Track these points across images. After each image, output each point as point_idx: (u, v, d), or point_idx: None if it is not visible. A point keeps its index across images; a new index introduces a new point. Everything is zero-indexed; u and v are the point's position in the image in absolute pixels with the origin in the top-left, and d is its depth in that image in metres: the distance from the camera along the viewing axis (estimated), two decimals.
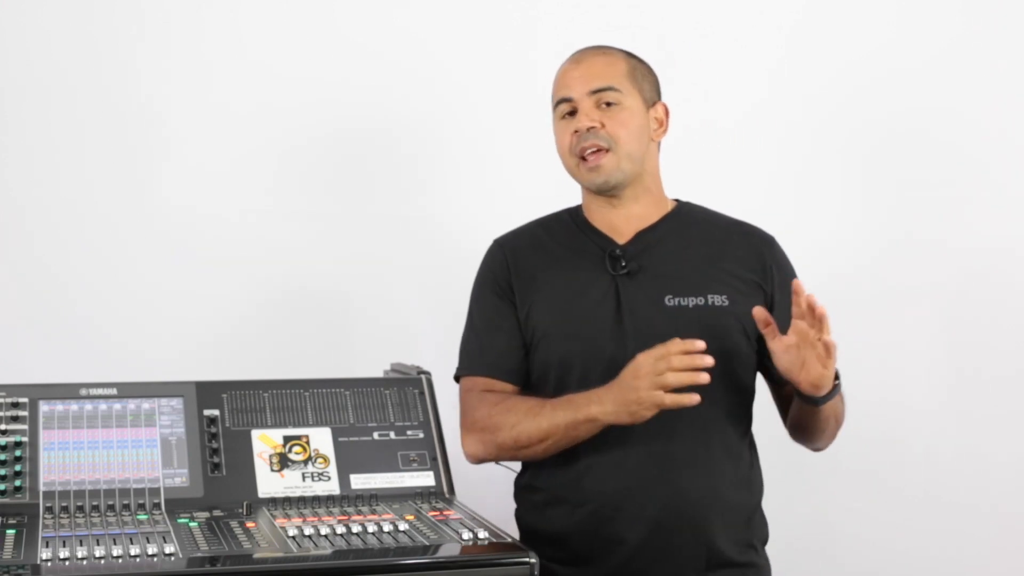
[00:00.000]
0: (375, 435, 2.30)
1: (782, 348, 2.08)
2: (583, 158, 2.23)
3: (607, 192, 2.25)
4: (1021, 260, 3.28)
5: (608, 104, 2.22)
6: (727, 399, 2.22)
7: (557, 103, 2.27)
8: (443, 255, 3.00)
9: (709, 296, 2.22)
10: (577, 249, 2.28)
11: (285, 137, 2.96)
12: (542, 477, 2.26)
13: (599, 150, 2.21)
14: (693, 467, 2.17)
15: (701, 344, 2.01)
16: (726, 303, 2.21)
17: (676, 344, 2.02)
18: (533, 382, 2.27)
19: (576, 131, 2.22)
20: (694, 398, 2.01)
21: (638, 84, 2.27)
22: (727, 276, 2.25)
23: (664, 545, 2.16)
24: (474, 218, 2.98)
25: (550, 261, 2.28)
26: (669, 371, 2.01)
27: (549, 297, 2.25)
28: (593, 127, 2.21)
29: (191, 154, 2.91)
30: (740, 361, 2.23)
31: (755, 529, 2.27)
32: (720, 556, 2.19)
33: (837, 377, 2.14)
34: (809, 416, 2.20)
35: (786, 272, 2.30)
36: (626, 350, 2.15)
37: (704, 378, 2.00)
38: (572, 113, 2.24)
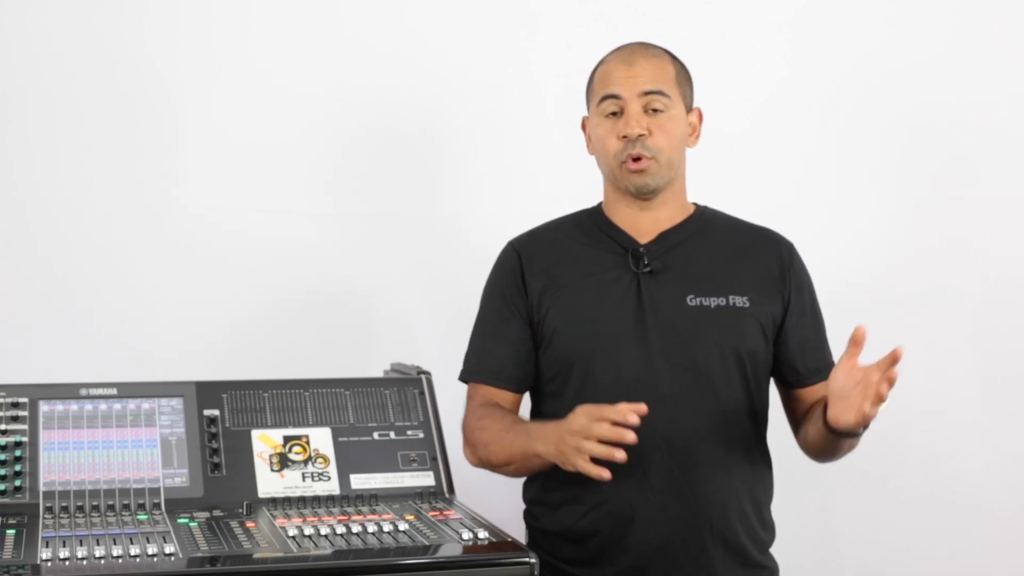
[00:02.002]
0: (375, 435, 2.30)
1: (846, 372, 2.04)
2: (623, 162, 2.22)
3: (642, 196, 2.25)
4: None
5: (655, 110, 2.21)
6: (746, 400, 2.23)
7: (603, 98, 2.24)
8: (444, 255, 2.99)
9: (731, 297, 2.22)
10: (598, 246, 2.28)
11: (286, 138, 2.96)
12: (559, 475, 2.21)
13: (643, 159, 2.20)
14: (713, 467, 2.18)
15: (644, 408, 1.97)
16: (747, 304, 2.22)
17: (614, 411, 1.96)
18: (550, 379, 2.26)
19: (625, 136, 2.20)
20: (604, 474, 1.97)
21: (682, 89, 2.27)
22: (748, 278, 2.25)
23: (683, 546, 2.16)
24: (475, 218, 2.99)
25: (569, 258, 2.27)
26: (596, 439, 1.96)
27: (568, 296, 2.24)
28: (643, 135, 2.19)
29: (192, 155, 2.91)
30: (758, 362, 2.25)
31: (768, 530, 2.29)
32: (737, 557, 2.20)
33: None
34: (827, 440, 2.17)
35: (802, 277, 2.31)
36: (648, 349, 2.17)
37: (620, 456, 1.95)
38: (615, 112, 2.22)
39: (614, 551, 2.18)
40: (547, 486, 2.26)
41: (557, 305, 2.24)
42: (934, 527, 3.19)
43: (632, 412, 1.96)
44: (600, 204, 2.35)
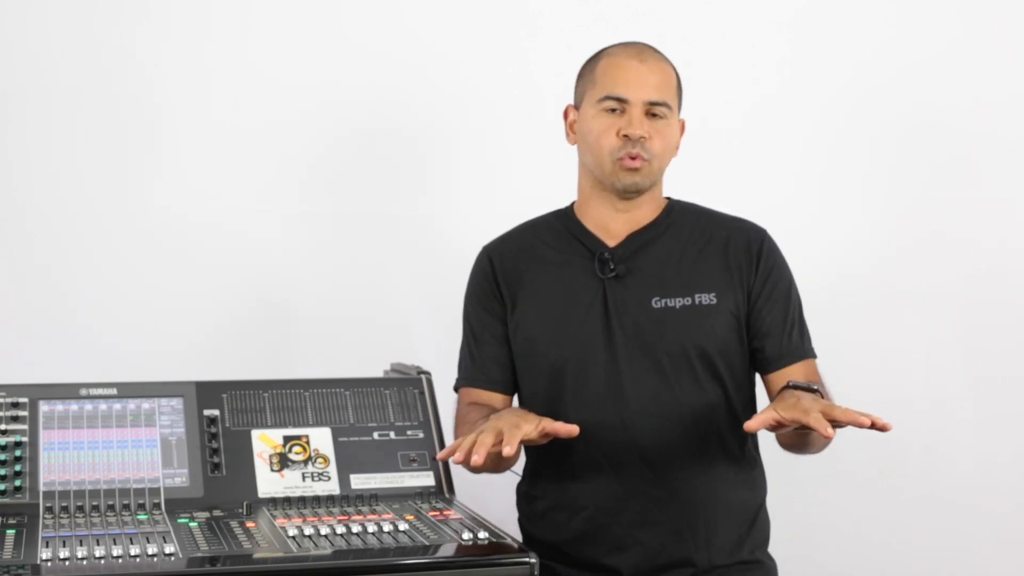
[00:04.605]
0: (375, 435, 2.30)
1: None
2: (619, 159, 2.19)
3: (627, 195, 2.23)
4: None
5: (655, 115, 2.19)
6: (723, 399, 2.21)
7: (606, 97, 2.20)
8: (444, 256, 2.99)
9: (696, 295, 2.20)
10: (567, 253, 2.27)
11: (286, 139, 2.96)
12: (540, 484, 2.27)
13: (640, 159, 2.19)
14: (689, 468, 2.17)
15: (575, 430, 2.00)
16: (714, 300, 2.20)
17: (531, 426, 2.00)
18: (525, 384, 2.28)
19: (626, 135, 2.18)
20: (455, 455, 1.97)
21: (679, 100, 2.27)
22: (715, 272, 2.23)
23: (666, 547, 2.16)
24: (475, 219, 2.97)
25: (539, 266, 2.28)
26: (490, 431, 1.97)
27: (538, 304, 2.25)
28: (644, 138, 2.17)
29: (191, 156, 2.91)
30: (730, 358, 2.22)
31: (759, 528, 2.27)
32: (723, 556, 2.19)
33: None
34: (802, 435, 2.13)
35: (771, 264, 2.26)
36: (616, 355, 2.17)
37: (475, 459, 1.94)
38: (615, 109, 2.20)
39: (597, 557, 2.18)
40: (530, 494, 2.29)
41: (527, 314, 2.25)
42: (934, 527, 3.20)
43: (542, 433, 2.00)
44: (572, 204, 2.34)
